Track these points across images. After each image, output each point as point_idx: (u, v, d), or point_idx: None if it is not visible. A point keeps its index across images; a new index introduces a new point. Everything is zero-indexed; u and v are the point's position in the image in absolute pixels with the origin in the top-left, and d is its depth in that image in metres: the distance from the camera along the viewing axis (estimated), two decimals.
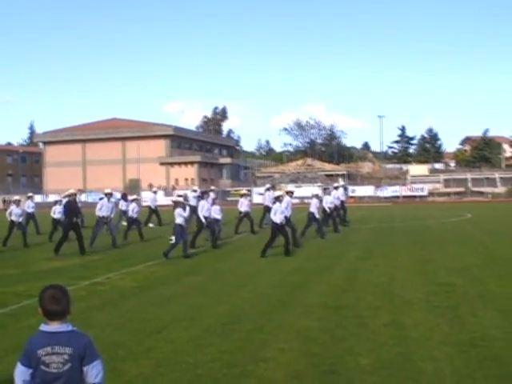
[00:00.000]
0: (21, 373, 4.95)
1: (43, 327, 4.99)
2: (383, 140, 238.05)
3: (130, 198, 33.81)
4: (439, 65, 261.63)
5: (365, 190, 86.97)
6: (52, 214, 31.72)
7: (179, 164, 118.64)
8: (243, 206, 31.87)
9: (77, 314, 11.98)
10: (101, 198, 30.02)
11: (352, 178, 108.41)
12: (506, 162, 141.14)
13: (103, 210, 27.53)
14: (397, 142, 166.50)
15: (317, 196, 30.40)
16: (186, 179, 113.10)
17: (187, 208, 24.60)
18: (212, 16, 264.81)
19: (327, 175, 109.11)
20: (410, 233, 30.59)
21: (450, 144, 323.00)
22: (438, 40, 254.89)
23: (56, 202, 32.78)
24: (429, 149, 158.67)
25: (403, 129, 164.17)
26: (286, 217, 23.00)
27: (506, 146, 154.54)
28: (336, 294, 14.43)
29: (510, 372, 8.22)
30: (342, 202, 35.01)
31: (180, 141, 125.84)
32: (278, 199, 22.87)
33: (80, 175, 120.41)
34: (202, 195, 29.32)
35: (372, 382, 8.04)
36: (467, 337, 10.06)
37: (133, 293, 15.43)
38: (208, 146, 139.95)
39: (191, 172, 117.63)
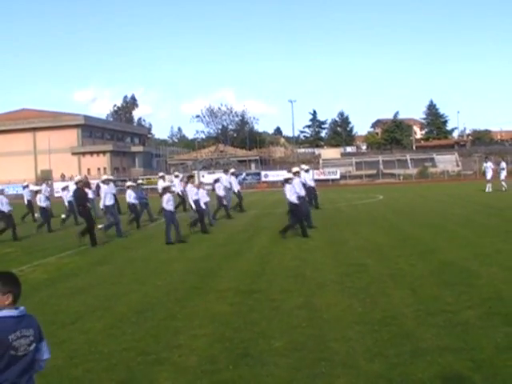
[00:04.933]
0: None
1: (9, 312, 4.92)
2: (295, 125, 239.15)
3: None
4: (348, 49, 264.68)
5: (277, 175, 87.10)
6: (38, 202, 30.91)
7: (91, 153, 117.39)
8: (220, 190, 31.98)
9: None
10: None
11: (264, 163, 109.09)
12: (416, 144, 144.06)
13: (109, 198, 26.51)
14: (308, 126, 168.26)
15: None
16: (99, 168, 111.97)
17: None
18: (122, 2, 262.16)
19: (240, 161, 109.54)
20: (322, 216, 30.75)
21: (361, 127, 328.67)
22: (346, 23, 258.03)
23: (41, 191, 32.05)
24: (340, 132, 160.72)
25: (314, 113, 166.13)
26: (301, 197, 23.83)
27: (416, 128, 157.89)
28: (249, 278, 14.51)
29: (420, 348, 8.41)
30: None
31: (91, 130, 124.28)
32: (287, 181, 23.29)
33: None
34: (188, 179, 29.47)
35: (285, 363, 8.12)
36: (379, 316, 10.24)
37: (45, 285, 15.29)
38: (120, 135, 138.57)
39: (103, 161, 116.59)
